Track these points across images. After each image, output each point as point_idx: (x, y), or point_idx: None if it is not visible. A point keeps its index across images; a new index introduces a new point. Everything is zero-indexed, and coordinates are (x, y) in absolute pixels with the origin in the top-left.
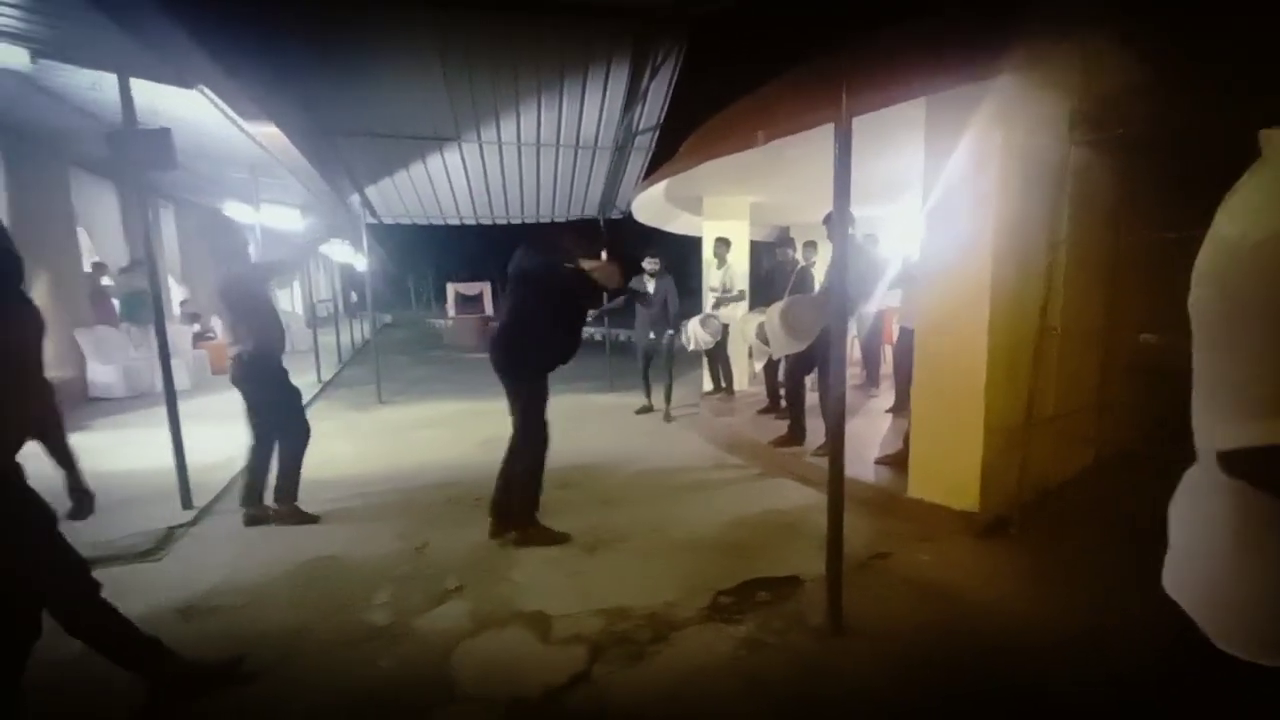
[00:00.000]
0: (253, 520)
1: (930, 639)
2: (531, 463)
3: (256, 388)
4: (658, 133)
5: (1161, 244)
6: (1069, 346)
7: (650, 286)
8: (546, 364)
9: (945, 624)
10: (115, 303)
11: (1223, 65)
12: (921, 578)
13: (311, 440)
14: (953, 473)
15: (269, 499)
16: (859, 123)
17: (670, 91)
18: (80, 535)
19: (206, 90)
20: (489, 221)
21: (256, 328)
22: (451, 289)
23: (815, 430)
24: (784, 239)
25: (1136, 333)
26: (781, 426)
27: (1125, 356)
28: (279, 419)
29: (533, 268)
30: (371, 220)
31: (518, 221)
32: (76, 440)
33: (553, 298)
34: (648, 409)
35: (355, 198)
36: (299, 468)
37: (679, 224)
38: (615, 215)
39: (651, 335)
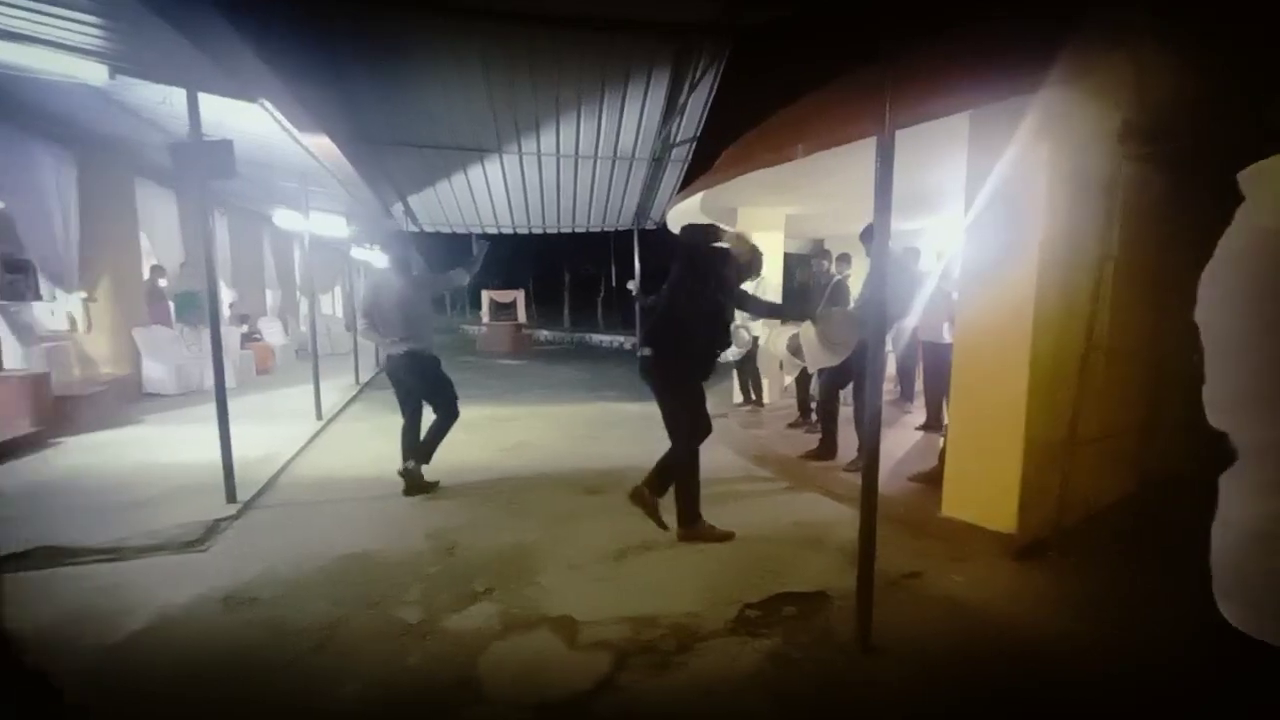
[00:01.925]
0: (410, 481)
1: (960, 661)
2: (682, 462)
3: (418, 378)
4: (695, 144)
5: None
6: (1116, 365)
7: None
8: (697, 355)
9: (977, 647)
10: (170, 304)
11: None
12: (953, 598)
13: (349, 440)
14: (989, 492)
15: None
16: (900, 134)
17: (709, 104)
18: (131, 525)
19: (267, 104)
20: (525, 231)
21: (425, 331)
22: (486, 296)
23: (846, 445)
24: (819, 251)
25: (1188, 353)
26: (811, 440)
27: (1175, 377)
28: (439, 400)
29: (690, 242)
30: (413, 228)
31: (553, 231)
32: (131, 433)
33: (704, 278)
34: None
35: (399, 206)
36: (440, 440)
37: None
38: (650, 226)
39: None
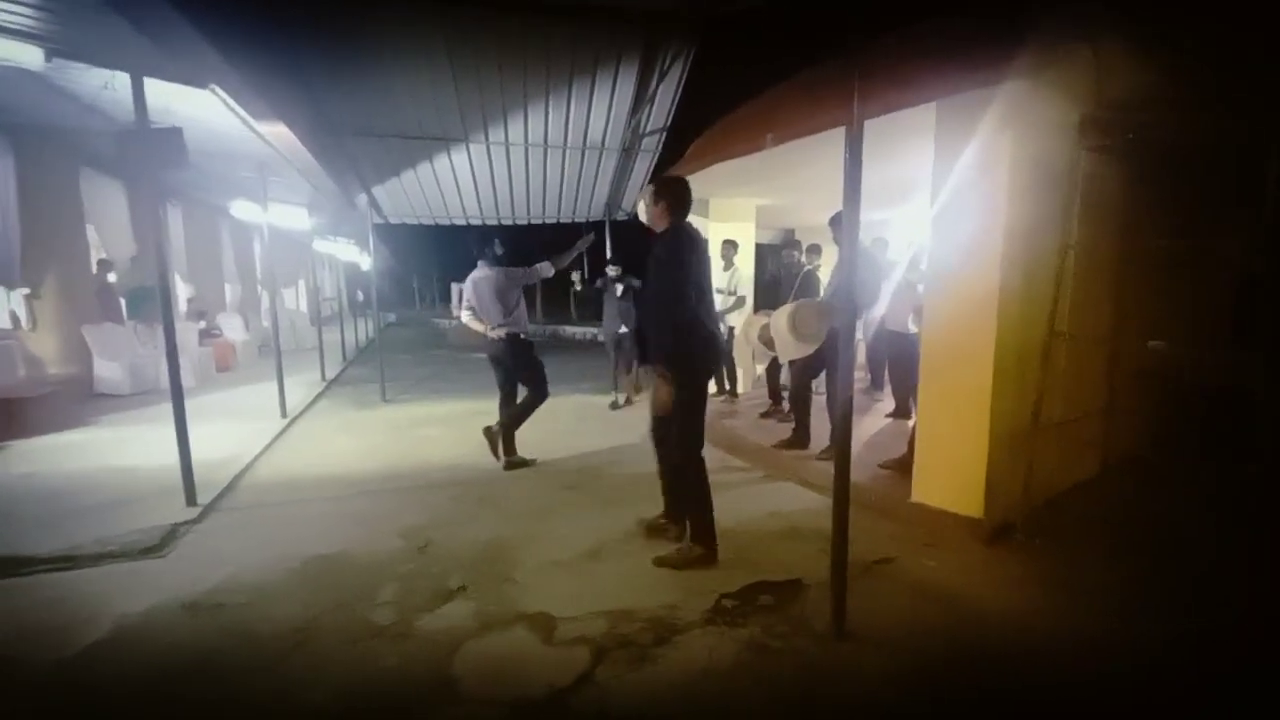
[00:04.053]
0: (510, 466)
1: (933, 644)
2: (695, 473)
3: (514, 359)
4: (665, 134)
5: (1170, 251)
6: (1076, 352)
7: (618, 289)
8: (691, 348)
9: (949, 630)
10: (121, 300)
11: (1234, 74)
12: (925, 583)
13: (315, 438)
14: (958, 478)
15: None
16: (868, 125)
17: (678, 94)
18: (85, 532)
19: (219, 89)
20: (495, 222)
21: (520, 317)
22: (456, 289)
23: (819, 434)
24: (789, 241)
25: (1144, 339)
26: (784, 429)
27: (1133, 363)
28: (531, 380)
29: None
30: (378, 220)
31: (524, 222)
32: (83, 436)
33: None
34: (617, 405)
35: (363, 197)
36: (528, 415)
37: None
38: (621, 217)
39: (623, 329)
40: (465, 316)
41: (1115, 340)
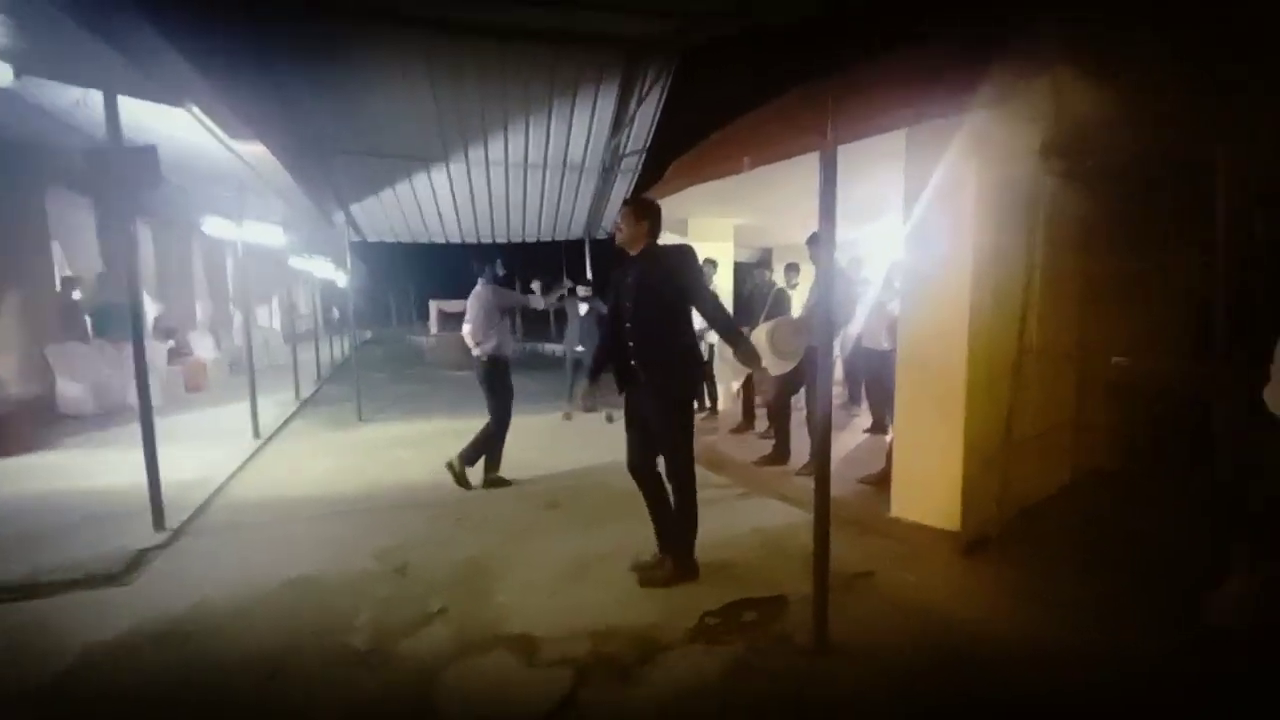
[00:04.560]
0: (490, 484)
1: (915, 657)
2: (691, 491)
3: (489, 382)
4: (644, 155)
5: (1130, 271)
6: (1046, 367)
7: (583, 309)
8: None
9: (930, 642)
10: (86, 318)
11: (1184, 95)
12: (905, 597)
13: (289, 459)
14: (934, 492)
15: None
16: (842, 149)
17: (658, 115)
18: (46, 558)
19: (194, 108)
20: (474, 240)
21: (501, 339)
22: (435, 306)
23: (799, 449)
24: (762, 261)
25: (1109, 355)
26: (765, 446)
27: (1099, 377)
28: (495, 407)
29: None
30: (355, 238)
31: (503, 241)
32: (45, 459)
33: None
34: (569, 416)
35: (340, 215)
36: (487, 447)
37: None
38: (601, 236)
39: (580, 347)
40: (464, 330)
41: (1082, 356)
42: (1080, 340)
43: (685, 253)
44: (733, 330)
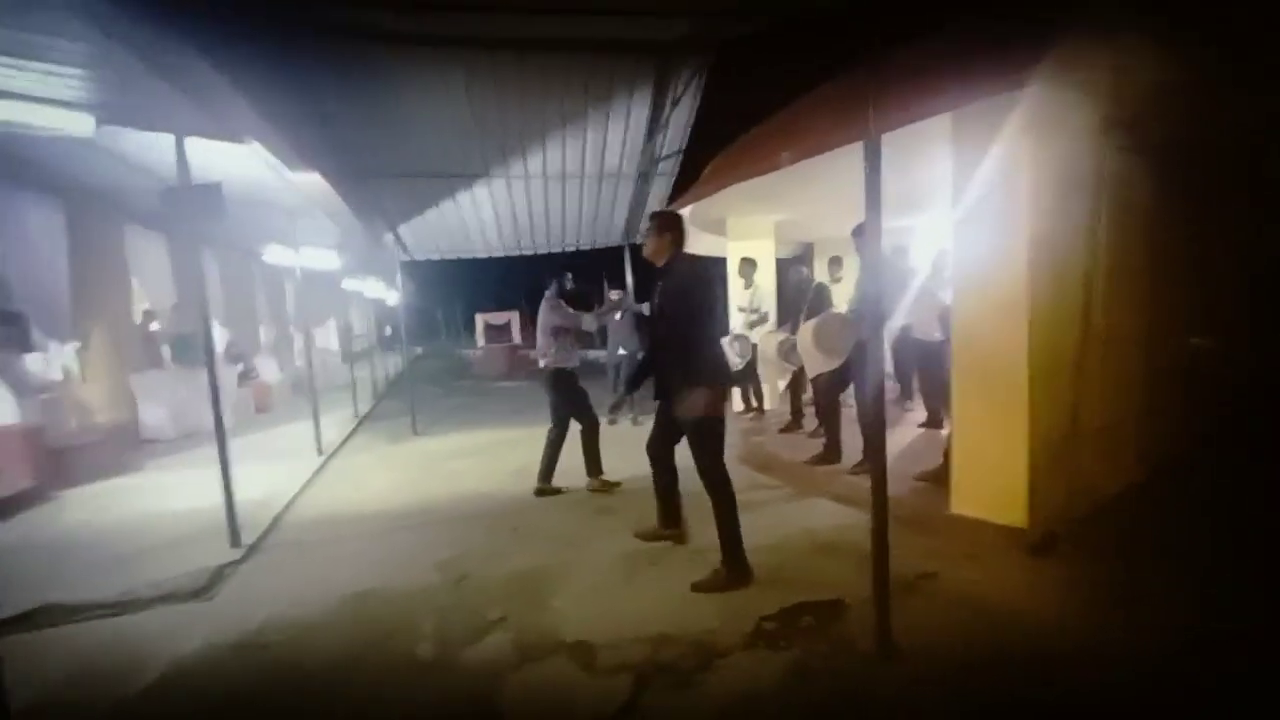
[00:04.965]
0: (541, 493)
1: (983, 663)
2: (727, 492)
3: (559, 394)
4: (680, 157)
5: (1202, 245)
6: (1112, 352)
7: (618, 315)
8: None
9: (999, 647)
10: (165, 348)
11: (1254, 63)
12: (971, 598)
13: (351, 474)
14: (998, 487)
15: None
16: (885, 136)
17: (692, 118)
18: (134, 577)
19: (258, 145)
20: (516, 253)
21: (564, 350)
22: (480, 319)
23: (850, 447)
24: (802, 257)
25: (1181, 336)
26: (815, 445)
27: (1170, 361)
28: (577, 412)
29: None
30: (404, 257)
31: (544, 252)
32: (130, 481)
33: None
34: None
35: (389, 236)
36: (596, 446)
37: (703, 246)
38: (639, 241)
39: (621, 350)
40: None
41: (1151, 339)
42: (1150, 323)
43: (696, 270)
44: (686, 353)
